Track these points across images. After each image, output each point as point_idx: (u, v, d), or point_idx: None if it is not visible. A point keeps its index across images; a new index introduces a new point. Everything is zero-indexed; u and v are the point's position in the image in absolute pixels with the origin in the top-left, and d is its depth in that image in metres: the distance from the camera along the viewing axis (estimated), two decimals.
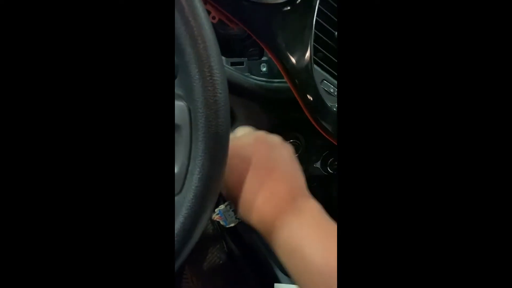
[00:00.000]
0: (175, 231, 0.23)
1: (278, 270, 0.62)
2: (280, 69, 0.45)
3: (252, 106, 0.55)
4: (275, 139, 0.37)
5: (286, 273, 0.61)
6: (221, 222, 0.77)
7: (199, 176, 0.22)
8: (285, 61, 0.44)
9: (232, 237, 0.74)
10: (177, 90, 0.24)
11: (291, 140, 0.58)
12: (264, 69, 0.56)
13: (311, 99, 0.44)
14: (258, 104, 0.55)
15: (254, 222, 0.34)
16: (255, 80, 0.55)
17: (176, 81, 0.24)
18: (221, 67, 0.23)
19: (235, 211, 0.35)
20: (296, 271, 0.29)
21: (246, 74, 0.54)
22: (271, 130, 0.50)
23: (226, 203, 0.44)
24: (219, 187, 0.25)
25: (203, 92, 0.22)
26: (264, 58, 0.56)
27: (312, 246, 0.28)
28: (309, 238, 0.28)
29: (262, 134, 0.37)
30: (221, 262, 0.73)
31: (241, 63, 0.54)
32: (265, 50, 0.45)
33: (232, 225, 0.74)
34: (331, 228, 0.30)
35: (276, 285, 0.55)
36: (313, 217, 0.31)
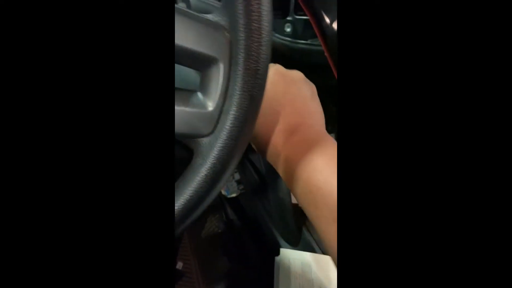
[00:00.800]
0: (205, 173, 0.21)
1: (281, 239, 0.60)
2: (314, 29, 0.41)
3: None
4: (296, 74, 0.34)
5: (289, 243, 0.59)
6: (223, 192, 0.73)
7: (235, 115, 0.21)
8: (319, 19, 0.40)
9: (233, 208, 0.72)
10: (220, 20, 0.21)
11: None
12: (289, 29, 0.51)
13: None
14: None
15: (268, 156, 0.31)
16: (278, 38, 0.50)
17: (219, 7, 0.22)
18: None
19: (261, 152, 0.33)
20: (315, 215, 0.27)
21: None
22: None
23: None
24: (252, 131, 0.23)
25: (248, 20, 0.19)
26: (289, 18, 0.52)
27: (333, 188, 0.25)
28: (330, 180, 0.26)
29: (281, 68, 0.34)
30: (219, 231, 0.71)
31: None
32: (301, 4, 0.40)
33: (233, 195, 0.71)
34: None
35: (281, 250, 0.54)
36: (332, 156, 0.28)
